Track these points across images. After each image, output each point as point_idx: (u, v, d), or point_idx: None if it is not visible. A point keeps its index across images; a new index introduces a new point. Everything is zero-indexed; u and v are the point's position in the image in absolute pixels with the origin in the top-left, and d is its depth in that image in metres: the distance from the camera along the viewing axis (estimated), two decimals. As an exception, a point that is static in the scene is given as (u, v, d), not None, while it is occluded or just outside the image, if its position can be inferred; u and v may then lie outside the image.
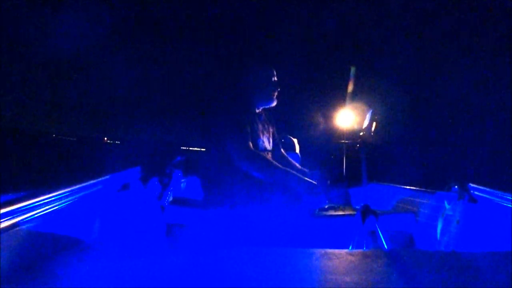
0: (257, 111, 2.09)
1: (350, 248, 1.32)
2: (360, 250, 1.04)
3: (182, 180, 2.52)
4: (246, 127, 1.90)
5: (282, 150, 2.27)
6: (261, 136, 2.04)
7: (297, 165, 2.19)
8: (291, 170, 1.86)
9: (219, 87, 2.27)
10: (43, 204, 1.09)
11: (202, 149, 2.10)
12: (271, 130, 2.21)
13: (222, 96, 2.14)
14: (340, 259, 0.78)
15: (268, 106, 2.12)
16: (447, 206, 1.72)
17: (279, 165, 1.88)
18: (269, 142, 2.14)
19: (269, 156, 2.05)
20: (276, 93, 2.08)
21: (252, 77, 2.04)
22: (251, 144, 1.88)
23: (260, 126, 2.07)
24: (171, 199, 2.12)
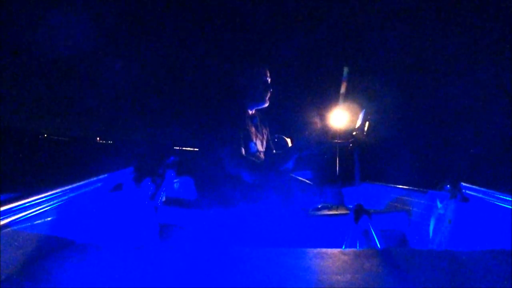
0: (250, 112, 2.09)
1: (344, 247, 1.32)
2: (353, 249, 1.04)
3: (175, 180, 2.51)
4: (238, 131, 1.89)
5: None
6: (254, 138, 2.03)
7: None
8: (284, 172, 1.87)
9: (212, 88, 2.26)
10: (35, 204, 1.07)
11: (195, 149, 2.09)
12: (264, 132, 2.21)
13: (215, 96, 2.13)
14: (333, 259, 0.78)
15: (260, 107, 2.12)
16: (439, 205, 1.74)
17: (271, 168, 1.88)
18: (262, 144, 2.14)
19: (262, 157, 2.05)
20: (268, 94, 2.07)
21: (245, 77, 2.04)
22: (243, 150, 1.88)
23: (253, 129, 2.06)
24: (164, 199, 2.11)
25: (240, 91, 2.03)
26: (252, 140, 2.00)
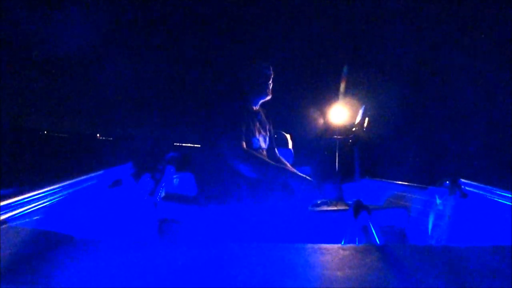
0: (254, 108, 2.08)
1: (343, 243, 1.32)
2: (352, 245, 1.04)
3: (175, 176, 2.51)
4: (240, 126, 1.88)
5: (276, 150, 2.26)
6: (257, 134, 2.02)
7: (288, 165, 2.18)
8: (284, 167, 1.86)
9: (214, 82, 2.26)
10: (34, 200, 1.07)
11: (196, 145, 2.09)
12: (267, 128, 2.20)
13: (217, 91, 2.12)
14: (332, 254, 0.78)
15: (264, 100, 2.10)
16: (438, 201, 1.74)
17: (272, 163, 1.88)
18: (264, 141, 2.13)
19: (264, 154, 2.05)
20: (271, 86, 2.06)
21: (247, 71, 2.03)
22: (244, 144, 1.87)
23: (257, 124, 2.05)
24: (163, 195, 2.11)
25: (243, 85, 2.03)
26: (255, 136, 1.99)
